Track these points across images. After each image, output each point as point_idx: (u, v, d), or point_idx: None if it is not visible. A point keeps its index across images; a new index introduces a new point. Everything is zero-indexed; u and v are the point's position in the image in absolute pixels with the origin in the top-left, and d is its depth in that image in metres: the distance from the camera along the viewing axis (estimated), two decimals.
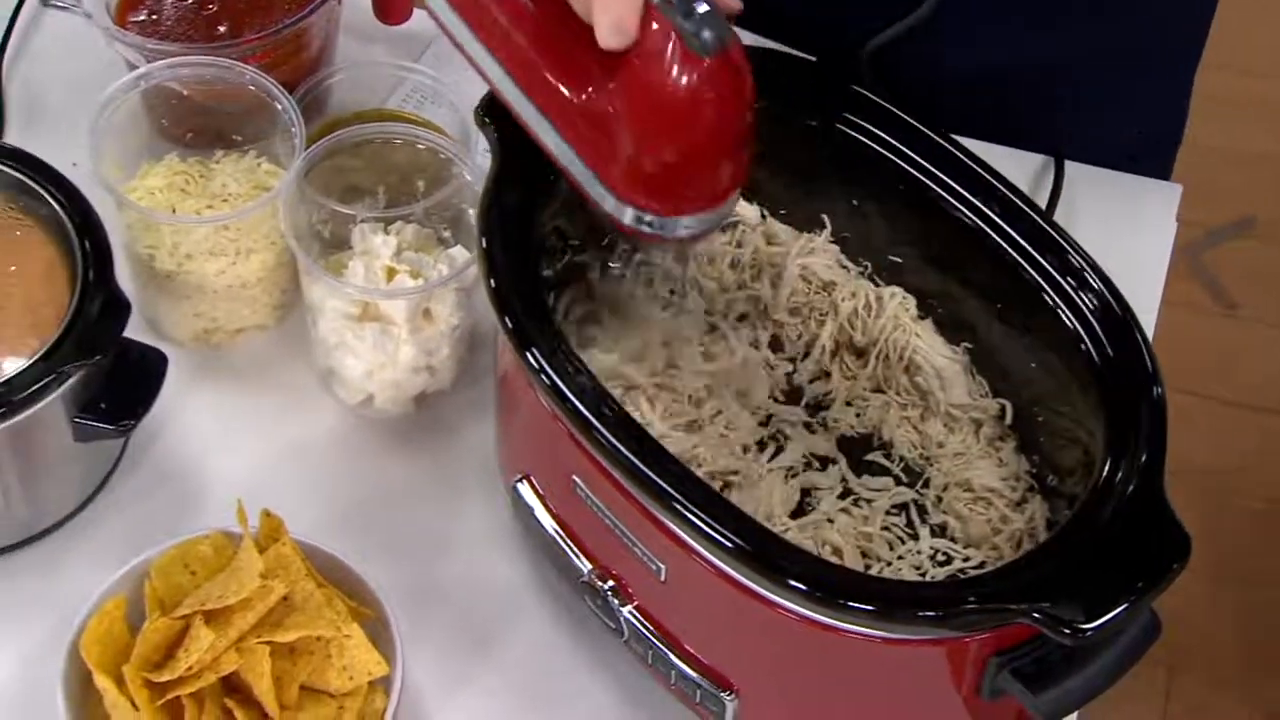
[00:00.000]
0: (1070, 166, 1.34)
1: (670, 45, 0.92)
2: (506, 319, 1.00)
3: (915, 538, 1.07)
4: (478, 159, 1.22)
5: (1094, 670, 0.96)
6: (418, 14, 1.38)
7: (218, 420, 1.22)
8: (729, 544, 0.93)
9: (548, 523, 1.09)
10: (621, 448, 0.95)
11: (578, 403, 0.96)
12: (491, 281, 1.01)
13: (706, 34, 0.91)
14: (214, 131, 1.23)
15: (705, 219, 0.98)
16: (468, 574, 1.17)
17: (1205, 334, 2.54)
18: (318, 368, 1.23)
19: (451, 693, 1.12)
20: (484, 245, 1.03)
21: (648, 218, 0.97)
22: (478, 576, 1.17)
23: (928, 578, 1.05)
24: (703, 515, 0.93)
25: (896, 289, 1.14)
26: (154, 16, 1.27)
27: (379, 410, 1.22)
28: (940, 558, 1.06)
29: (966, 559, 1.06)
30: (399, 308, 1.16)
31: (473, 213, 1.19)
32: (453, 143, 1.21)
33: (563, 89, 0.98)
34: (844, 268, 1.15)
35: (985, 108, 1.33)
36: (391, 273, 1.18)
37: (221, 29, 1.26)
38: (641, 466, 0.95)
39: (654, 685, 1.09)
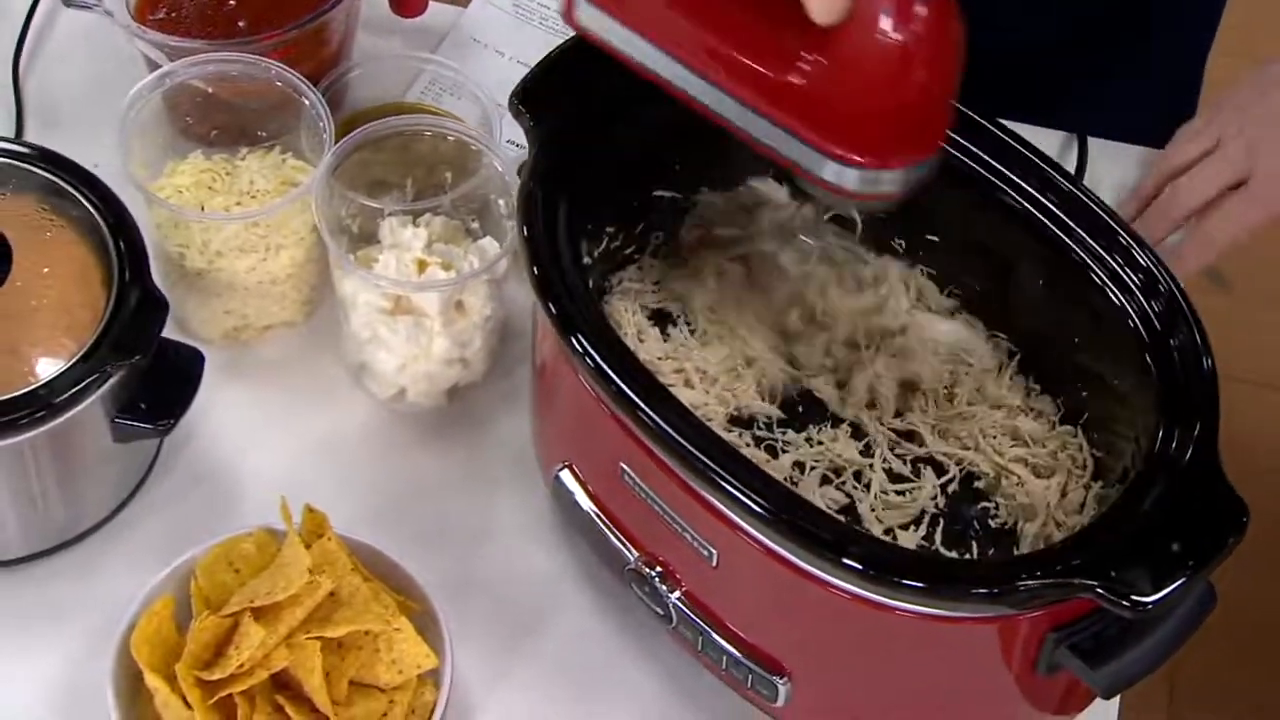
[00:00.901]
0: (1093, 143, 1.34)
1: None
2: (551, 305, 0.99)
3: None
4: (502, 148, 1.22)
5: (1152, 643, 0.96)
6: (433, 6, 1.37)
7: (250, 418, 1.22)
8: (787, 526, 0.93)
9: (592, 511, 1.08)
10: (676, 434, 0.95)
11: (630, 390, 0.96)
12: (534, 269, 1.01)
13: None
14: (237, 128, 1.23)
15: (916, 171, 0.96)
16: (506, 565, 1.17)
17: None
18: (349, 363, 1.22)
19: (496, 684, 1.12)
20: (525, 233, 1.02)
21: (872, 175, 0.95)
22: (517, 567, 1.17)
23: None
24: (758, 498, 0.93)
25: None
26: (174, 14, 1.26)
27: (411, 404, 1.22)
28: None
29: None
30: (432, 300, 1.16)
31: (502, 203, 1.19)
32: (481, 133, 1.21)
33: (771, 72, 0.95)
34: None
35: (1003, 88, 1.33)
36: (423, 265, 1.17)
37: (241, 25, 1.25)
38: (697, 453, 0.94)
39: (699, 672, 1.09)
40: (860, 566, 0.91)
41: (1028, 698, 1.02)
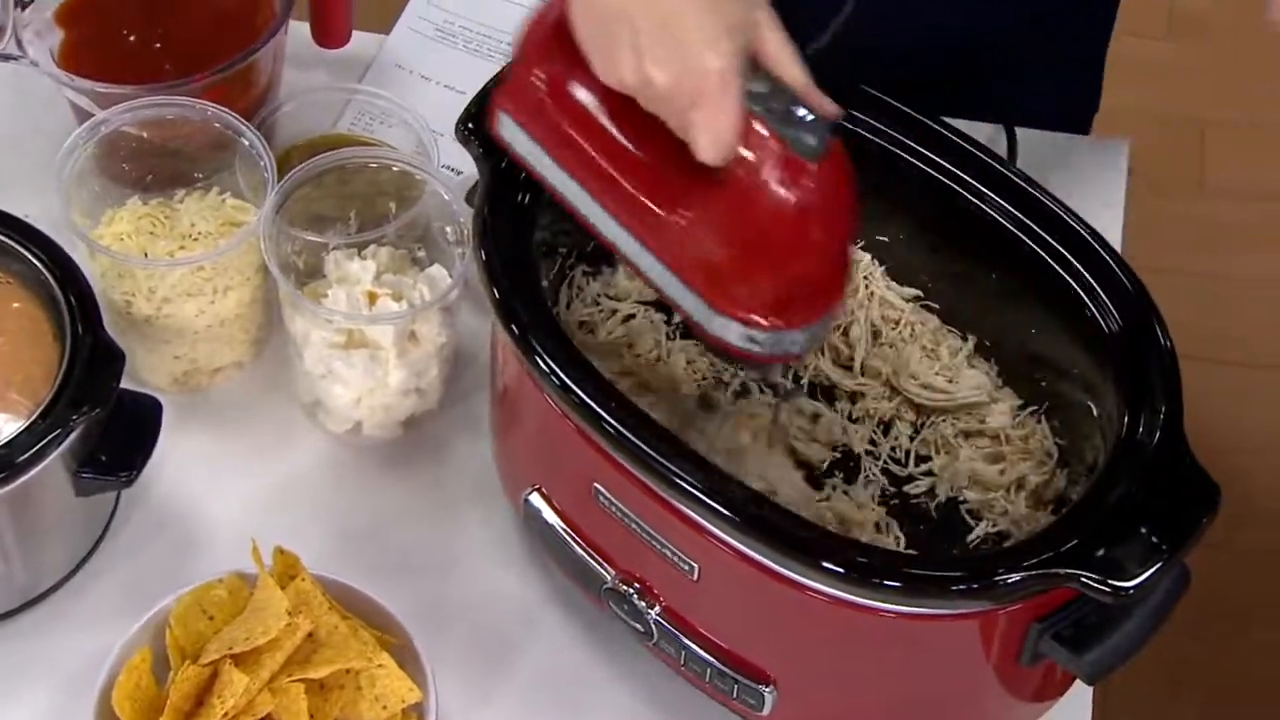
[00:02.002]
0: (1020, 133, 1.35)
1: (774, 154, 0.90)
2: (518, 332, 1.00)
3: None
4: (441, 174, 1.22)
5: (1132, 626, 0.97)
6: (355, 35, 1.37)
7: (205, 462, 1.21)
8: (770, 537, 0.94)
9: (565, 532, 1.08)
10: (656, 455, 0.96)
11: (607, 415, 0.97)
12: (498, 297, 1.01)
13: (811, 139, 0.89)
14: (172, 171, 1.22)
15: (817, 329, 0.95)
16: (478, 591, 1.17)
17: None
18: (302, 400, 1.22)
19: (477, 711, 1.12)
20: (484, 261, 1.02)
21: (758, 336, 0.94)
22: (488, 592, 1.17)
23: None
24: (740, 511, 0.94)
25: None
26: (100, 61, 1.24)
27: (368, 437, 1.21)
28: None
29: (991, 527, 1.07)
30: (386, 332, 1.15)
31: (449, 229, 1.19)
32: (422, 161, 1.21)
33: (659, 209, 0.95)
34: None
35: (929, 84, 1.35)
36: (373, 297, 1.17)
37: (168, 67, 1.24)
38: (678, 472, 0.95)
39: (679, 687, 1.09)
40: (849, 570, 0.92)
41: (1009, 689, 1.03)
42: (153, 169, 1.22)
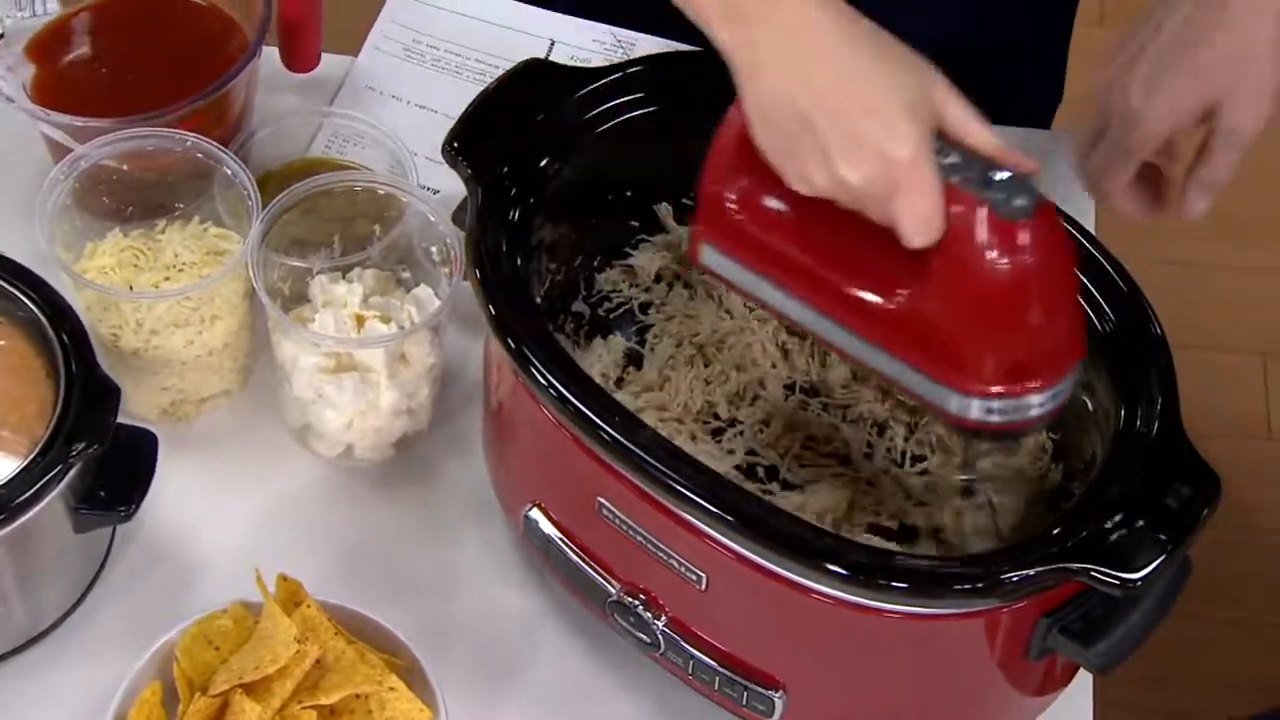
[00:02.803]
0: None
1: (982, 221, 0.89)
2: (520, 351, 1.00)
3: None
4: (420, 194, 1.22)
5: (1138, 617, 0.99)
6: (324, 58, 1.36)
7: (198, 492, 1.20)
8: (781, 544, 0.95)
9: (568, 547, 1.09)
10: (664, 468, 0.96)
11: (614, 431, 0.97)
12: (496, 317, 1.02)
13: (1018, 200, 0.89)
14: (152, 202, 1.21)
15: (1060, 389, 0.95)
16: (479, 609, 1.17)
17: None
18: (292, 425, 1.22)
19: None
20: (482, 282, 1.03)
21: (994, 406, 0.93)
22: (489, 610, 1.17)
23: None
24: (753, 521, 0.95)
25: None
26: (74, 94, 1.24)
27: (359, 459, 1.21)
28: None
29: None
30: (377, 355, 1.15)
31: (434, 250, 1.19)
32: (403, 182, 1.21)
33: (876, 301, 0.94)
34: None
35: None
36: (360, 320, 1.17)
37: (142, 98, 1.23)
38: (688, 484, 0.96)
39: (685, 696, 1.10)
40: (900, 584, 0.93)
41: (1017, 684, 1.04)
42: (132, 200, 1.21)
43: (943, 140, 0.91)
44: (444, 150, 1.08)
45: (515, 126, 1.09)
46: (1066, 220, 1.04)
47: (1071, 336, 0.95)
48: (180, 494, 1.20)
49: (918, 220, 0.90)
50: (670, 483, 0.96)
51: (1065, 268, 0.93)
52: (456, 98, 1.33)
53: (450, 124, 1.34)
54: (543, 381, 0.99)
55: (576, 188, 1.10)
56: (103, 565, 1.16)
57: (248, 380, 1.25)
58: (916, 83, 0.91)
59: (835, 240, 0.95)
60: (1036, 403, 0.94)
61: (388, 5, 1.46)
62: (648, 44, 1.42)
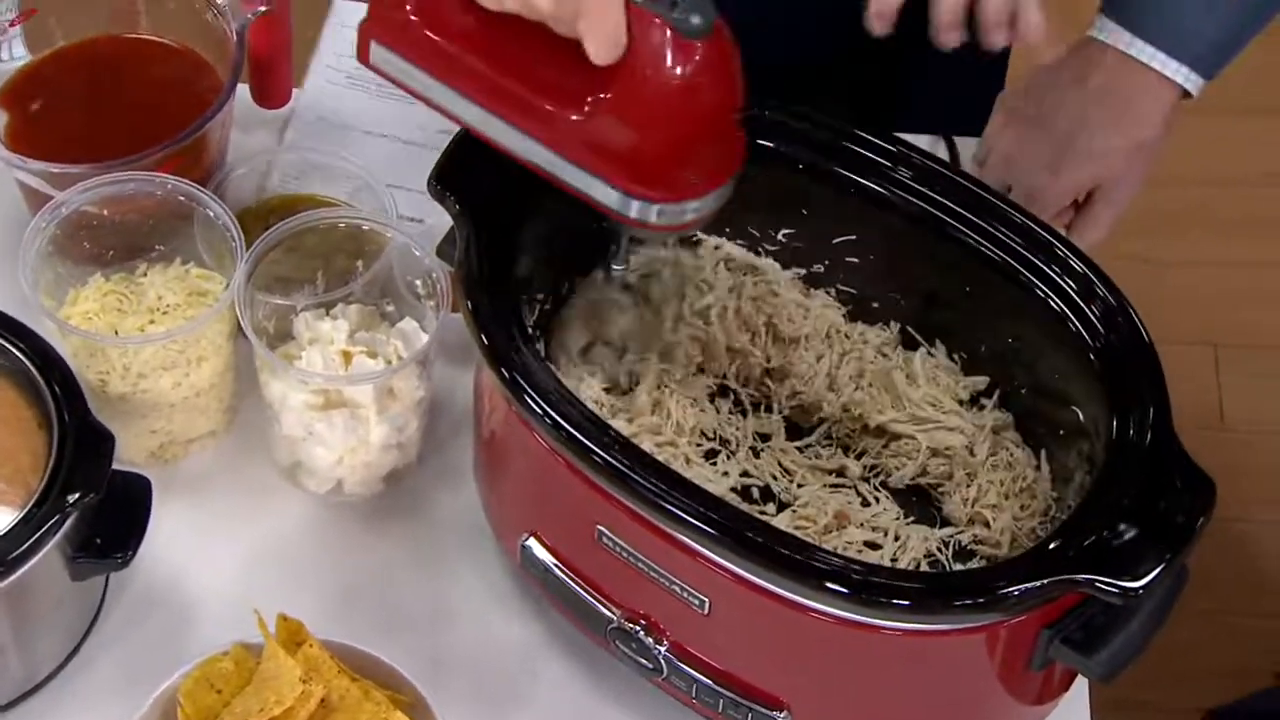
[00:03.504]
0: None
1: (663, 38, 0.95)
2: (516, 383, 1.00)
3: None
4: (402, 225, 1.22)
5: (1137, 625, 1.00)
6: None
7: (189, 534, 1.20)
8: (788, 568, 0.95)
9: (567, 576, 1.09)
10: (670, 496, 0.97)
11: (614, 461, 0.98)
12: (491, 351, 1.02)
13: (695, 18, 0.94)
14: (132, 245, 1.21)
15: (715, 197, 1.01)
16: (476, 641, 1.17)
17: None
18: (281, 463, 1.22)
19: None
20: (474, 316, 1.03)
21: (657, 207, 0.99)
22: (487, 641, 1.17)
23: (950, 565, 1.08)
24: (764, 547, 0.95)
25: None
26: (49, 141, 1.23)
27: (349, 495, 1.21)
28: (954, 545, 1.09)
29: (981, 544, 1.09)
30: (366, 390, 1.16)
31: (419, 283, 1.19)
32: (386, 215, 1.21)
33: (555, 107, 0.99)
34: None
35: (874, 100, 1.37)
36: (347, 356, 1.17)
37: (116, 142, 1.23)
38: (696, 511, 0.96)
39: (688, 718, 1.10)
40: (909, 602, 0.94)
41: (1018, 695, 1.05)
42: (112, 244, 1.21)
43: None
44: (429, 186, 1.08)
45: (497, 158, 1.09)
46: (1060, 240, 1.07)
47: (735, 148, 1.01)
48: (171, 537, 1.20)
49: (602, 39, 0.95)
50: (676, 510, 0.96)
51: (731, 83, 0.99)
52: (406, 122, 1.35)
53: (406, 149, 1.35)
54: (541, 413, 1.00)
55: (561, 217, 1.10)
56: (98, 612, 1.16)
57: (233, 420, 1.25)
58: None
59: (516, 49, 1.00)
60: (693, 207, 1.01)
61: (326, 36, 1.45)
62: None
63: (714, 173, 1.00)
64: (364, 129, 1.40)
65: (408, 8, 1.02)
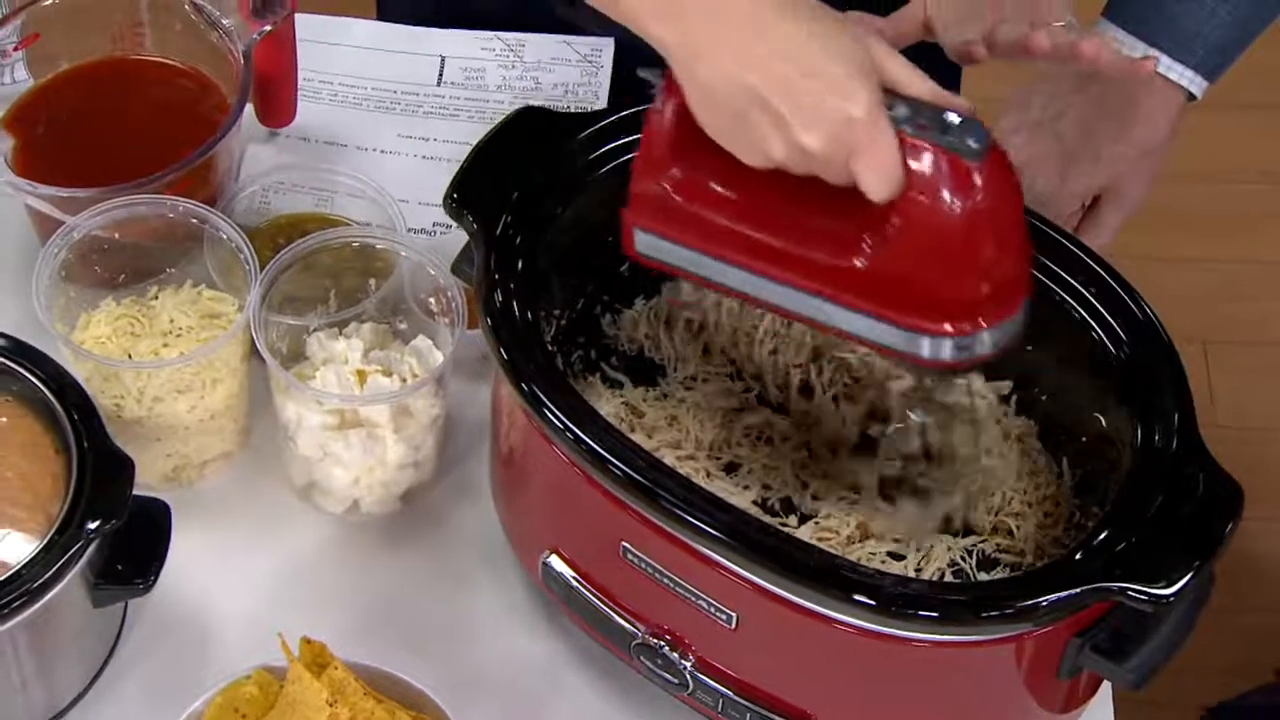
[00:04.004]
0: None
1: (943, 165, 0.92)
2: (543, 403, 1.00)
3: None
4: (411, 240, 1.22)
5: (1167, 630, 1.00)
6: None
7: (206, 557, 1.19)
8: (820, 582, 0.95)
9: (589, 592, 1.09)
10: (698, 512, 0.96)
11: (644, 478, 0.97)
12: (514, 372, 1.02)
13: (971, 141, 0.91)
14: (142, 267, 1.21)
15: (1019, 319, 0.97)
16: (498, 658, 1.17)
17: None
18: (297, 484, 1.21)
19: None
20: (491, 326, 1.03)
21: (965, 342, 0.95)
22: (509, 658, 1.17)
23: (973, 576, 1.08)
24: (794, 562, 0.95)
25: None
26: (56, 166, 1.23)
27: (366, 514, 1.21)
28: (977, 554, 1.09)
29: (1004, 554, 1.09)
30: (382, 410, 1.15)
31: (432, 300, 1.19)
32: (398, 233, 1.21)
33: (836, 260, 0.96)
34: None
35: None
36: (362, 375, 1.17)
37: (123, 164, 1.22)
38: (725, 527, 0.96)
39: None
40: (933, 614, 0.94)
41: (1046, 703, 1.05)
42: (123, 268, 1.21)
43: (888, 94, 0.93)
44: (445, 203, 1.08)
45: (513, 175, 1.09)
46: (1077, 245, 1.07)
47: (1024, 268, 0.98)
48: (188, 560, 1.19)
49: (881, 175, 0.92)
50: (705, 526, 0.96)
51: (1016, 202, 0.96)
52: (367, 129, 1.37)
53: (410, 162, 1.36)
54: (565, 430, 0.99)
55: (577, 232, 1.10)
56: (117, 639, 1.15)
57: (246, 441, 1.24)
58: (855, 43, 0.93)
59: (786, 207, 0.97)
60: (999, 335, 0.97)
61: (321, 53, 1.45)
62: (537, 44, 1.44)
63: (1007, 297, 0.96)
64: (326, 140, 1.40)
65: (668, 188, 0.99)
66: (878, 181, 0.92)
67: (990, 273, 0.95)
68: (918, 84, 0.94)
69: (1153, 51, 1.21)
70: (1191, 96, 1.24)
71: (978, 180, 0.92)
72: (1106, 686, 1.14)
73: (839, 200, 0.93)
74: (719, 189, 0.98)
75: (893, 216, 0.93)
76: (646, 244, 1.01)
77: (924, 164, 0.92)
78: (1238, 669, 2.14)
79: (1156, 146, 1.25)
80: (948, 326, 0.95)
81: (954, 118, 0.92)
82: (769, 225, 0.97)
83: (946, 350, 0.96)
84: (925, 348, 0.96)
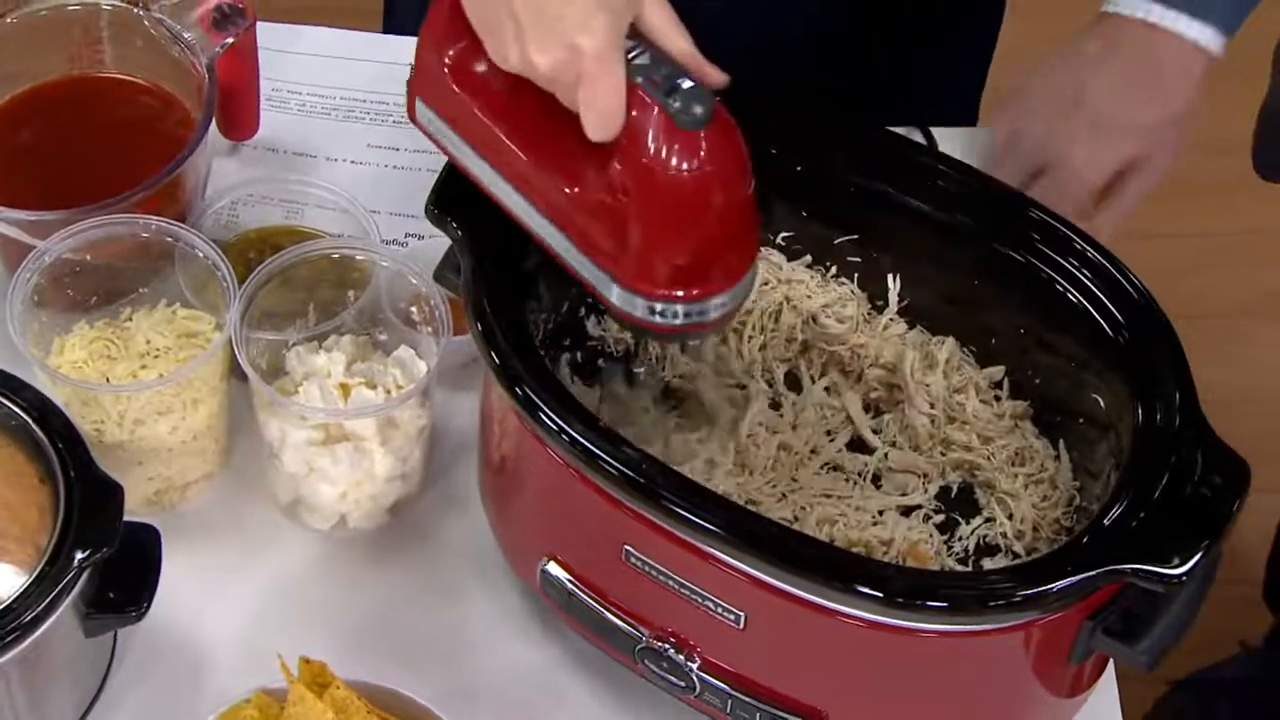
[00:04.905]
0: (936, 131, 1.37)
1: (658, 126, 0.91)
2: (543, 410, 0.99)
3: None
4: (387, 250, 1.20)
5: (1178, 609, 0.99)
6: None
7: (194, 579, 1.17)
8: (832, 578, 0.94)
9: (590, 598, 1.07)
10: (706, 513, 0.95)
11: (649, 480, 0.96)
12: (511, 382, 1.00)
13: (696, 108, 0.90)
14: (114, 289, 1.19)
15: (725, 299, 0.96)
16: (497, 667, 1.15)
17: None
18: (281, 502, 1.19)
19: None
20: (479, 328, 1.01)
21: (660, 308, 0.95)
22: (507, 667, 1.15)
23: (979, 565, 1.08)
24: (805, 559, 0.94)
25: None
26: (21, 189, 1.20)
27: (353, 529, 1.19)
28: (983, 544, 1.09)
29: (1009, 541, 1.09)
30: (368, 423, 1.14)
31: (413, 310, 1.18)
32: (376, 244, 1.19)
33: (561, 185, 0.96)
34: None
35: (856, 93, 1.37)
36: (346, 389, 1.15)
37: (94, 186, 1.20)
38: (735, 527, 0.95)
39: None
40: (945, 604, 0.93)
41: (1056, 688, 1.05)
42: (95, 289, 1.18)
43: (639, 40, 0.93)
44: (427, 212, 1.07)
45: None
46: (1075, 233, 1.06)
47: (742, 247, 0.96)
48: (174, 584, 1.16)
49: (598, 114, 0.92)
50: (711, 525, 0.95)
51: (737, 178, 0.94)
52: (335, 139, 1.36)
53: (343, 166, 1.35)
54: (566, 436, 0.98)
55: None
56: (109, 667, 1.13)
57: (227, 461, 1.22)
58: None
59: (532, 117, 0.98)
60: (704, 309, 0.95)
61: (284, 62, 1.43)
62: None
63: (716, 275, 0.95)
64: (296, 150, 1.38)
65: (446, 68, 1.00)
66: (594, 119, 0.92)
67: (697, 244, 0.94)
68: (673, 40, 0.93)
69: (1170, 13, 1.19)
70: (1213, 58, 1.21)
71: (683, 149, 0.91)
72: (1110, 673, 1.14)
73: (574, 127, 0.93)
74: (483, 80, 0.99)
75: (611, 160, 0.93)
76: (424, 116, 1.03)
77: (643, 118, 0.91)
78: (1203, 642, 2.13)
79: (1181, 114, 1.22)
80: (643, 286, 0.95)
81: (686, 82, 0.91)
82: (518, 131, 0.98)
83: (637, 309, 0.95)
84: (615, 297, 0.96)
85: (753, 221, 0.96)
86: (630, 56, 0.92)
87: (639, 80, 0.92)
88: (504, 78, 0.97)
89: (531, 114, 0.97)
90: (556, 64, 0.93)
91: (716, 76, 0.94)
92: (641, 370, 1.11)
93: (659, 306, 0.96)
